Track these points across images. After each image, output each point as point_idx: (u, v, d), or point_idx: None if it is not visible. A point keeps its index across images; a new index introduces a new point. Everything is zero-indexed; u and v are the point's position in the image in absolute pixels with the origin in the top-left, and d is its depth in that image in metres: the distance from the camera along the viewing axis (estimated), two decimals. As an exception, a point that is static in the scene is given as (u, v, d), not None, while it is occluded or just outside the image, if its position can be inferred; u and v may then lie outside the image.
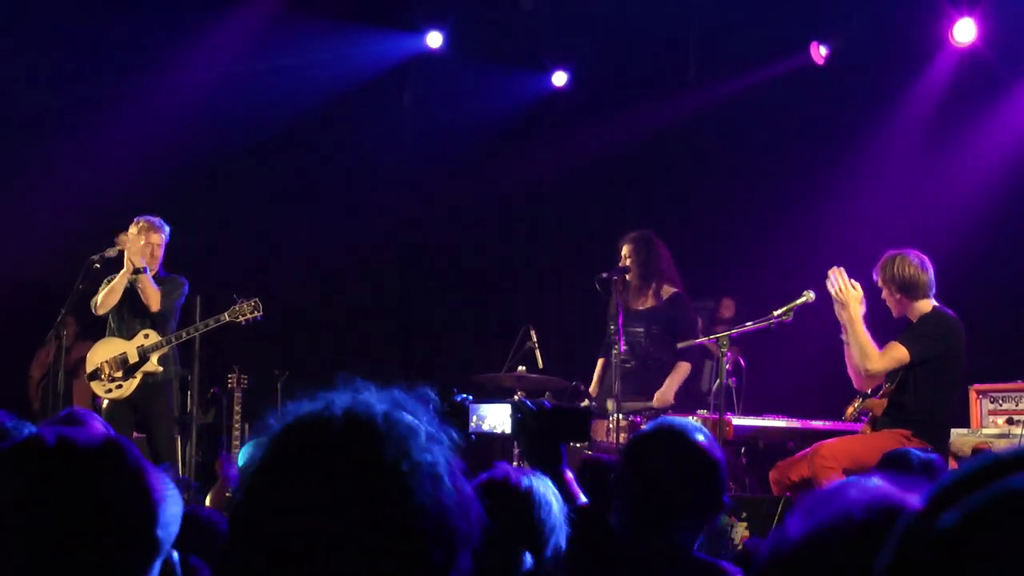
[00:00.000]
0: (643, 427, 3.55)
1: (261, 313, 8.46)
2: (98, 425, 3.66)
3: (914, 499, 1.20)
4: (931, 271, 6.88)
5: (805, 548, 1.20)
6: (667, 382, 8.22)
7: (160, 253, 8.60)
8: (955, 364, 6.87)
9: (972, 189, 9.96)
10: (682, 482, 3.17)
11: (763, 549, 1.28)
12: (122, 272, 8.44)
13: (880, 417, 6.95)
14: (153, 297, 8.43)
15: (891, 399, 6.91)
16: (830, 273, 6.89)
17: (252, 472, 1.49)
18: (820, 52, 10.43)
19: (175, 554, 1.57)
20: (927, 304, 6.88)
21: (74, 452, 1.49)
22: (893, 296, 6.92)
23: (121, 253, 8.49)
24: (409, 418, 1.55)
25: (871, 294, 7.04)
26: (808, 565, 1.19)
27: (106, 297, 8.47)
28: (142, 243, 8.46)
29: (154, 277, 8.53)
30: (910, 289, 6.86)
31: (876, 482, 1.27)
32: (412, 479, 1.48)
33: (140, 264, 8.41)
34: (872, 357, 6.77)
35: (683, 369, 8.32)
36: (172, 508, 1.54)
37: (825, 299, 7.04)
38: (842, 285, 6.85)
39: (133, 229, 8.57)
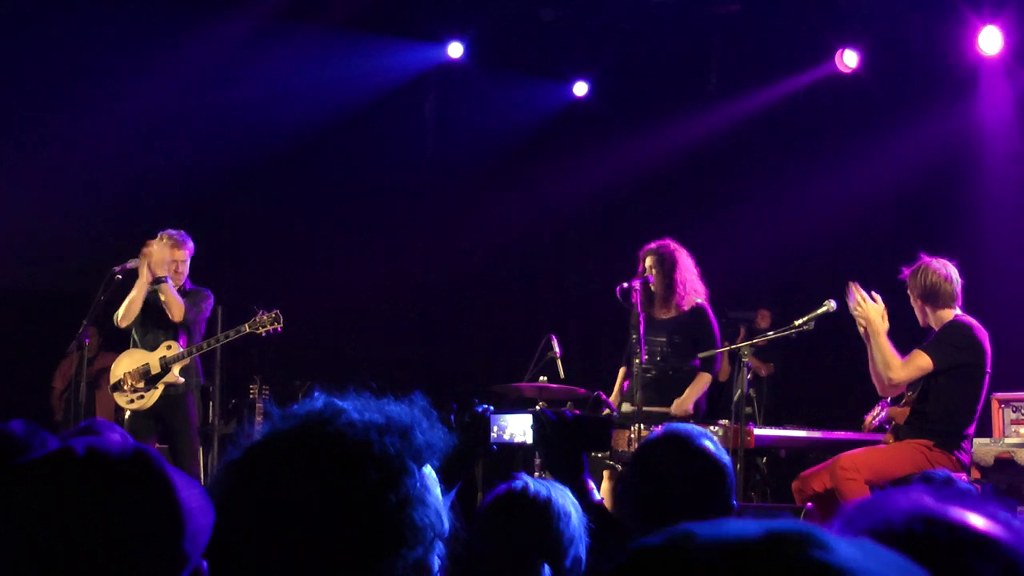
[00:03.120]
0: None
1: (281, 325, 8.44)
2: (117, 436, 3.66)
3: (955, 512, 1.20)
4: (957, 282, 6.84)
5: None
6: (687, 391, 8.19)
7: (185, 267, 8.62)
8: (978, 373, 6.80)
9: (998, 192, 9.93)
10: (688, 486, 3.17)
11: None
12: (138, 282, 8.44)
13: (902, 426, 6.91)
14: (175, 307, 8.44)
15: (913, 408, 6.87)
16: (849, 288, 6.88)
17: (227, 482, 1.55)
18: (847, 59, 10.41)
19: (204, 564, 1.57)
20: (949, 314, 6.84)
21: (103, 463, 1.49)
22: (916, 303, 6.91)
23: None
24: (375, 416, 1.60)
25: (900, 303, 7.03)
26: None
27: (127, 309, 8.49)
28: (166, 255, 8.49)
29: (180, 290, 8.55)
30: (932, 298, 6.83)
31: (917, 494, 1.27)
32: (380, 470, 1.53)
33: (162, 274, 8.43)
34: (894, 367, 6.73)
35: (704, 380, 8.28)
36: (201, 520, 1.54)
37: (847, 309, 7.02)
38: (860, 299, 6.82)
39: (156, 244, 8.59)
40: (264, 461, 1.61)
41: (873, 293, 6.85)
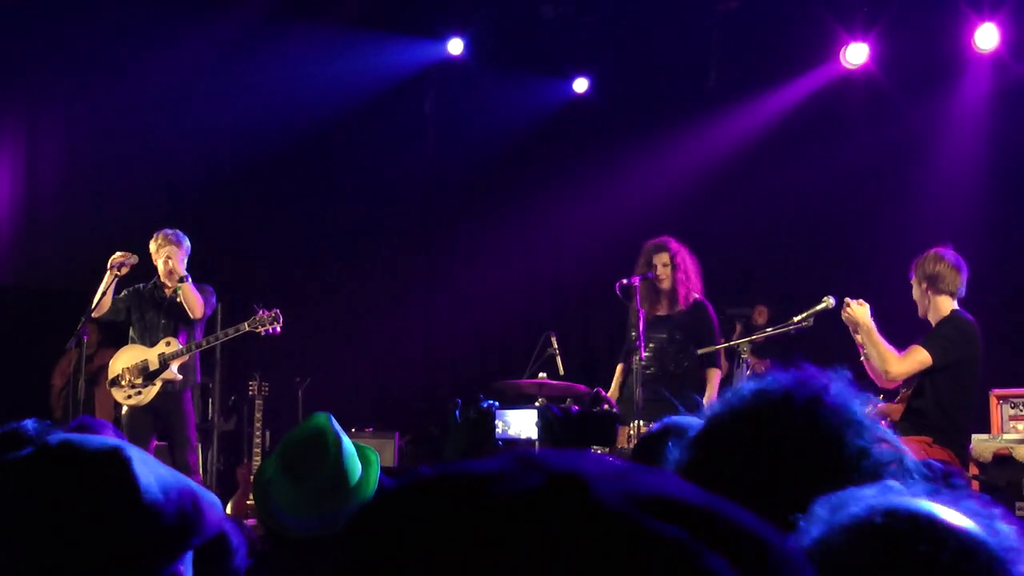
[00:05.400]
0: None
1: (281, 324, 8.43)
2: (109, 433, 3.65)
3: (915, 503, 1.23)
4: (963, 272, 6.89)
5: (822, 550, 1.22)
6: (709, 393, 8.17)
7: (183, 266, 8.58)
8: (973, 369, 6.86)
9: (999, 183, 9.95)
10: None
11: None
12: (107, 276, 8.39)
13: (898, 423, 6.93)
14: (196, 306, 8.43)
15: (908, 404, 6.89)
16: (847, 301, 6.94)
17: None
18: (851, 55, 10.41)
19: (183, 569, 1.57)
20: (948, 304, 6.88)
21: (77, 459, 1.48)
22: (920, 287, 6.94)
23: (141, 261, 8.51)
24: (852, 406, 1.62)
25: (900, 300, 7.05)
26: (825, 567, 1.21)
27: (97, 301, 8.43)
28: (166, 255, 8.49)
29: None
30: (936, 281, 6.87)
31: (893, 487, 1.29)
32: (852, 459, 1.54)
33: (183, 273, 8.44)
34: (891, 360, 6.76)
35: (716, 376, 8.31)
36: (172, 521, 1.52)
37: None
38: (847, 306, 6.88)
39: (153, 244, 8.57)
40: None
41: (859, 300, 6.91)
